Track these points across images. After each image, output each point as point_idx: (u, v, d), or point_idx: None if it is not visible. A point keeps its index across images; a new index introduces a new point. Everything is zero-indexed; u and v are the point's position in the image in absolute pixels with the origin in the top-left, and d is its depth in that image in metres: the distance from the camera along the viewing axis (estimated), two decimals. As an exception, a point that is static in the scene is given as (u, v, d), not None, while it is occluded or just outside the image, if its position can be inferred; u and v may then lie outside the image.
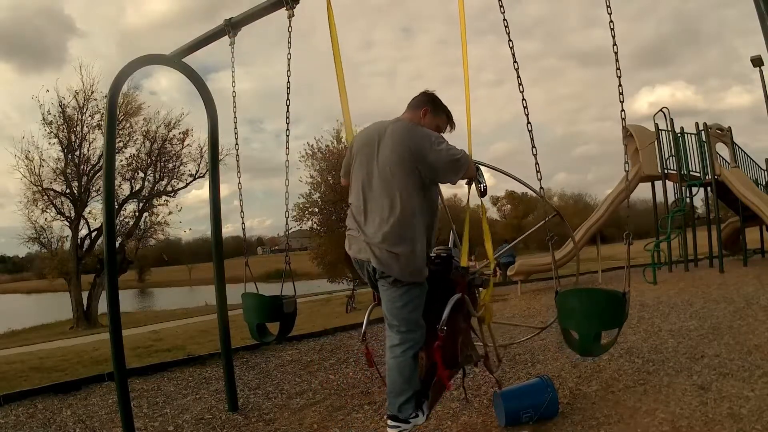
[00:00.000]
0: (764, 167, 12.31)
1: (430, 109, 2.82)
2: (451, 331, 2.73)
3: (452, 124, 2.91)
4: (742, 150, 11.58)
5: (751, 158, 11.91)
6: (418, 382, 2.65)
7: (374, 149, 2.67)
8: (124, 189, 19.86)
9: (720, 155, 11.19)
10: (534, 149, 2.69)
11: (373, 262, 2.57)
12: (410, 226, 2.55)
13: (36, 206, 19.54)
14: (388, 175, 2.59)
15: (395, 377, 2.61)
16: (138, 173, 20.17)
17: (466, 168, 2.67)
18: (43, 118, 18.62)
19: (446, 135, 2.84)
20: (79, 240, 19.59)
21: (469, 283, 2.93)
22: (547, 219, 2.96)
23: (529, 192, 2.97)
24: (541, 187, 2.73)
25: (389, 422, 2.63)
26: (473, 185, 2.85)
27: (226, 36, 3.56)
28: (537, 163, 2.67)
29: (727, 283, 8.22)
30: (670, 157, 11.27)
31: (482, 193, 2.85)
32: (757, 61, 11.05)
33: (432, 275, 2.69)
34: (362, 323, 3.06)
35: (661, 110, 11.38)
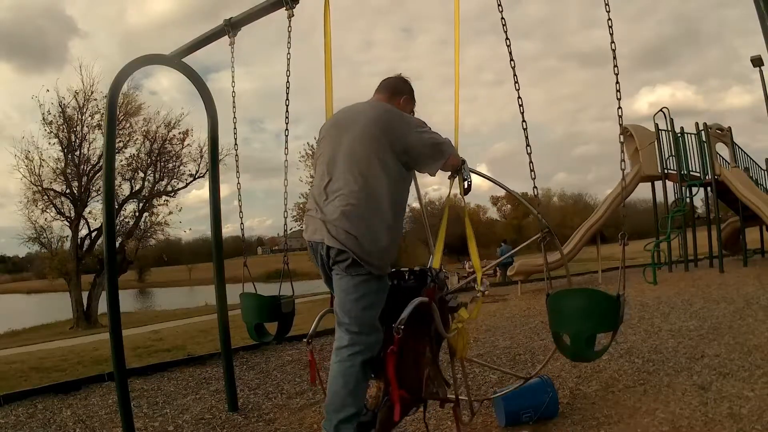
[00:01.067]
0: (764, 167, 12.32)
1: (410, 98, 2.69)
2: (414, 352, 2.42)
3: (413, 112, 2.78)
4: (742, 150, 11.59)
5: (751, 158, 11.93)
6: (362, 400, 2.30)
7: (343, 129, 2.45)
8: (124, 189, 19.95)
9: (720, 155, 11.20)
10: (528, 148, 2.57)
11: (327, 241, 2.25)
12: (375, 208, 2.27)
13: (36, 206, 19.61)
14: (356, 152, 2.33)
15: (338, 386, 2.23)
16: (138, 173, 20.24)
17: (448, 156, 2.48)
18: (43, 118, 18.70)
19: None
20: (79, 240, 19.63)
21: (441, 300, 2.61)
22: (537, 236, 2.76)
23: (530, 192, 2.87)
24: (535, 187, 2.61)
25: None
26: (456, 180, 2.67)
27: (226, 36, 3.57)
28: (531, 162, 2.57)
29: (727, 283, 8.22)
30: (670, 157, 11.28)
31: (466, 190, 2.67)
32: (757, 61, 11.06)
33: (401, 289, 2.49)
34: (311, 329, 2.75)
35: (661, 110, 11.40)
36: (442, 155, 2.46)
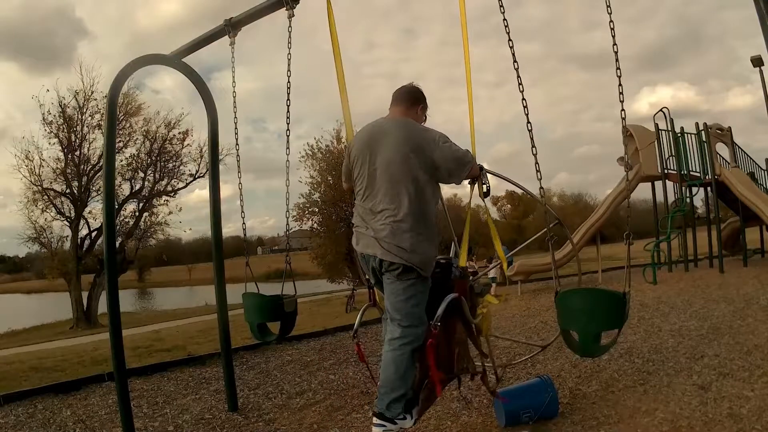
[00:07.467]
0: (764, 167, 12.31)
1: (424, 106, 2.91)
2: (447, 336, 2.71)
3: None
4: (742, 150, 11.58)
5: (751, 158, 11.92)
6: (411, 382, 2.62)
7: (376, 149, 2.69)
8: (124, 189, 19.89)
9: (720, 155, 11.19)
10: (534, 149, 2.69)
11: (379, 255, 2.60)
12: (417, 222, 2.59)
13: (36, 206, 19.58)
14: (394, 172, 2.62)
15: (390, 372, 2.58)
16: (138, 173, 20.19)
17: (470, 167, 2.73)
18: (44, 118, 18.65)
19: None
20: (79, 240, 19.60)
21: (470, 288, 2.94)
22: (550, 226, 2.94)
23: (534, 192, 2.99)
24: (541, 187, 2.73)
25: (374, 420, 2.59)
26: (476, 186, 2.87)
27: (227, 36, 3.57)
28: (537, 163, 2.67)
29: (727, 283, 8.22)
30: (670, 157, 11.27)
31: (485, 194, 2.87)
32: (757, 61, 11.04)
33: (431, 280, 2.71)
34: (355, 322, 3.10)
35: (661, 110, 11.39)
36: (464, 167, 2.72)
